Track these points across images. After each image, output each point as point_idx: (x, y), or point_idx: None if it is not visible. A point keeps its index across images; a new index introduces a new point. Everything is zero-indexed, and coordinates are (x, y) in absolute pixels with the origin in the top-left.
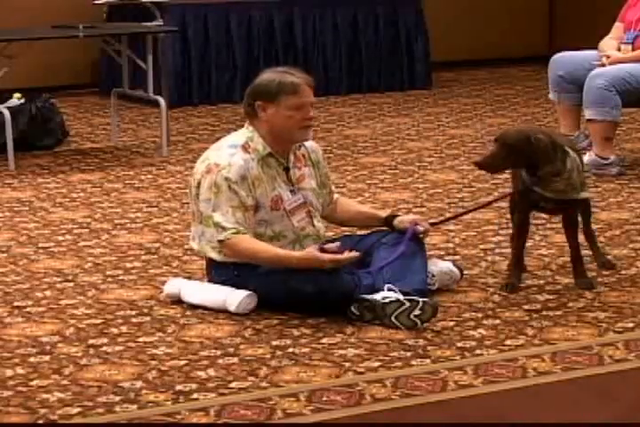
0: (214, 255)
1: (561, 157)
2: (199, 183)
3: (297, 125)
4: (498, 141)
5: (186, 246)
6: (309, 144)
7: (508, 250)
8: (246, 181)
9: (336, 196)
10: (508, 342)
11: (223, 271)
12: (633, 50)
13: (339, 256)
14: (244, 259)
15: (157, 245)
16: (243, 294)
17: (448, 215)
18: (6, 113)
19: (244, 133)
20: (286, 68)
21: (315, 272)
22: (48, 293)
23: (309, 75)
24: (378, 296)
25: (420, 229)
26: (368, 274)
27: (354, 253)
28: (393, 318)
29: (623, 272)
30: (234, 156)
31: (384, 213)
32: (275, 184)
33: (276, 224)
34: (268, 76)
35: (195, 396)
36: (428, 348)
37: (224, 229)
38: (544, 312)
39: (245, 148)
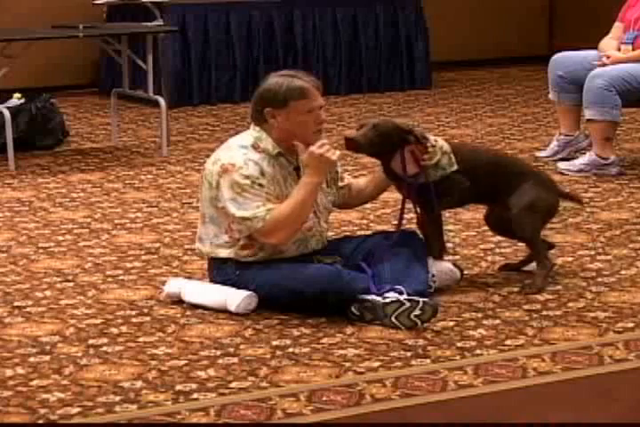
0: (225, 254)
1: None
2: (218, 184)
3: (310, 130)
4: (371, 126)
5: (186, 246)
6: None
7: (508, 250)
8: (265, 177)
9: (346, 181)
10: (508, 342)
11: (224, 271)
12: (633, 50)
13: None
14: (289, 230)
15: (157, 245)
16: (243, 294)
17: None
18: (6, 113)
19: (250, 134)
20: (292, 72)
21: (315, 273)
22: (48, 293)
23: (310, 75)
24: (378, 296)
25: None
26: (369, 274)
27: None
28: (393, 319)
29: (623, 272)
30: (247, 155)
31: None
32: (286, 184)
33: None
34: (275, 81)
35: (195, 396)
36: (428, 348)
37: (257, 217)
38: (544, 312)
39: (255, 147)
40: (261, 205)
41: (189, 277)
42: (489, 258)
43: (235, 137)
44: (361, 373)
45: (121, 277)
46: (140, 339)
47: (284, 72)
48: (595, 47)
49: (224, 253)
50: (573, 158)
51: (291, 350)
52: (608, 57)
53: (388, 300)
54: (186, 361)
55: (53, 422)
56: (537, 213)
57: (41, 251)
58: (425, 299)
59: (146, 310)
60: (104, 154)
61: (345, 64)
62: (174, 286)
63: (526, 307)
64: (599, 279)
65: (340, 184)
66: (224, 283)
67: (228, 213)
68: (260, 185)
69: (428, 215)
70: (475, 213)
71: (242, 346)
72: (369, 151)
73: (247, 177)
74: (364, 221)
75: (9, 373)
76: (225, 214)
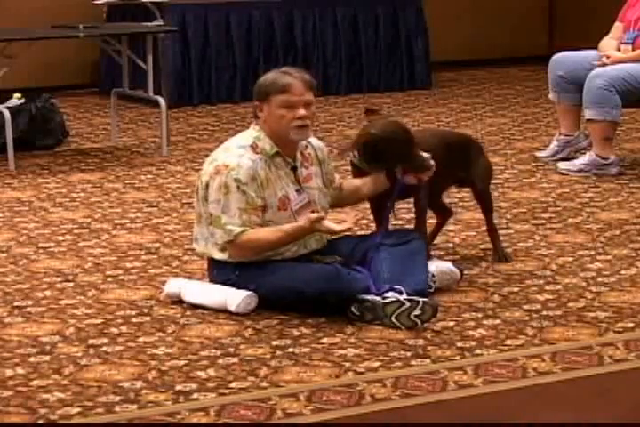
0: (219, 256)
1: None
2: (207, 184)
3: (288, 125)
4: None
5: (186, 246)
6: (316, 143)
7: (508, 250)
8: (255, 181)
9: (339, 181)
10: (508, 342)
11: (224, 271)
12: (633, 50)
13: (336, 227)
14: (254, 253)
15: (157, 245)
16: (243, 294)
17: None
18: (6, 113)
19: (250, 134)
20: (287, 68)
21: (315, 273)
22: (48, 293)
23: (305, 72)
24: (378, 296)
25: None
26: (368, 274)
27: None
28: (393, 319)
29: (623, 272)
30: (242, 156)
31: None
32: (282, 184)
33: (283, 225)
34: (266, 76)
35: (195, 396)
36: (428, 348)
37: (231, 231)
38: (544, 312)
39: (254, 148)
40: (238, 216)
41: (189, 277)
42: (489, 258)
43: (236, 136)
44: (361, 373)
45: (121, 277)
46: (140, 339)
47: (281, 69)
48: (595, 47)
49: (219, 255)
50: (573, 158)
51: (291, 350)
52: (608, 57)
53: (387, 300)
54: (186, 361)
55: (53, 422)
56: (491, 180)
57: (41, 251)
58: (425, 299)
59: (146, 310)
60: (104, 154)
61: (345, 64)
62: (174, 286)
63: (526, 307)
64: (599, 279)
65: (334, 185)
66: (224, 283)
67: (212, 213)
68: (244, 192)
69: (421, 208)
70: (475, 213)
71: (242, 346)
72: None
73: (235, 180)
74: (364, 221)
75: (9, 373)
76: (210, 215)
